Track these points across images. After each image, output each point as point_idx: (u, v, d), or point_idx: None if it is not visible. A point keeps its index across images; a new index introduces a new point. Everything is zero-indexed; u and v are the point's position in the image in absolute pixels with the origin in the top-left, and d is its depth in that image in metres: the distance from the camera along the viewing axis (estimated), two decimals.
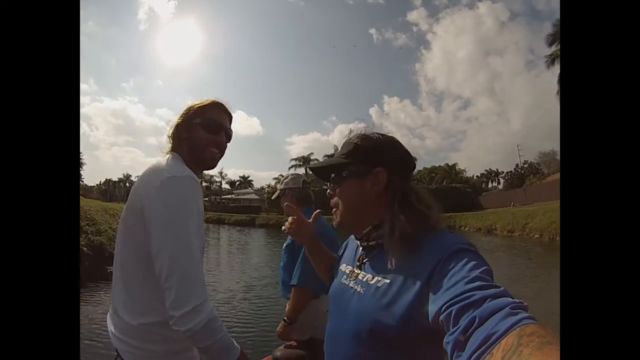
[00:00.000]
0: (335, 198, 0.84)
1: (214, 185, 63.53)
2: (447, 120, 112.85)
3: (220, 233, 26.35)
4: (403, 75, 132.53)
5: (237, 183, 65.87)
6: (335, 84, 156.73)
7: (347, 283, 0.82)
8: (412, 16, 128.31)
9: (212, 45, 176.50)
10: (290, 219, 1.06)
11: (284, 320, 1.73)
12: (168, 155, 1.07)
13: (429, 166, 54.26)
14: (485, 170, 58.44)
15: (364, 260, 0.81)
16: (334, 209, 0.85)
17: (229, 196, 58.19)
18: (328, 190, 0.86)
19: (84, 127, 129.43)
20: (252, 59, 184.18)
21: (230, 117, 1.20)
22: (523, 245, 14.97)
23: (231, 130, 1.19)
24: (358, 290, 0.77)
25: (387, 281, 0.71)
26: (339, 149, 0.87)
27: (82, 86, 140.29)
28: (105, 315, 1.07)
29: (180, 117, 1.13)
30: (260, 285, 8.07)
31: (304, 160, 48.47)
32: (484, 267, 0.60)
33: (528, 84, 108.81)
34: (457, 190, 38.43)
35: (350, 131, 0.87)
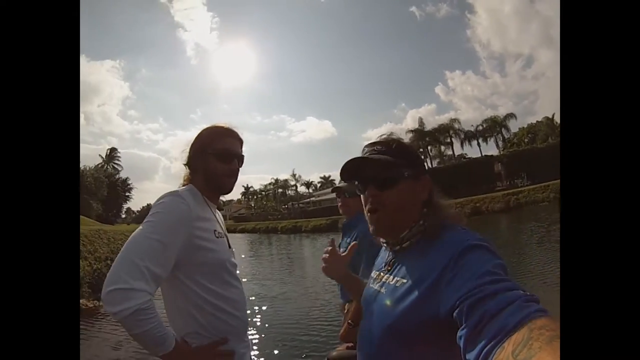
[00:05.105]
0: (380, 199, 0.81)
1: (289, 190, 59.91)
2: (514, 83, 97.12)
3: (301, 242, 24.63)
4: (457, 45, 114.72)
5: (319, 185, 62.32)
6: (394, 71, 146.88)
7: (373, 286, 0.89)
8: None
9: (264, 62, 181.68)
10: (327, 249, 1.09)
11: (349, 322, 1.74)
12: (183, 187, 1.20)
13: (524, 126, 43.86)
14: None
15: (393, 264, 0.85)
16: (374, 210, 0.82)
17: (309, 200, 53.62)
18: (368, 190, 0.83)
19: (163, 161, 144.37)
20: (305, 65, 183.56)
21: (241, 142, 1.28)
22: None
23: (243, 155, 1.27)
24: (381, 291, 0.83)
25: (404, 280, 0.76)
26: (377, 147, 0.85)
27: (153, 125, 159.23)
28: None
29: (193, 147, 1.23)
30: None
31: None
32: (495, 261, 0.63)
33: None
34: None
35: (383, 135, 0.89)
